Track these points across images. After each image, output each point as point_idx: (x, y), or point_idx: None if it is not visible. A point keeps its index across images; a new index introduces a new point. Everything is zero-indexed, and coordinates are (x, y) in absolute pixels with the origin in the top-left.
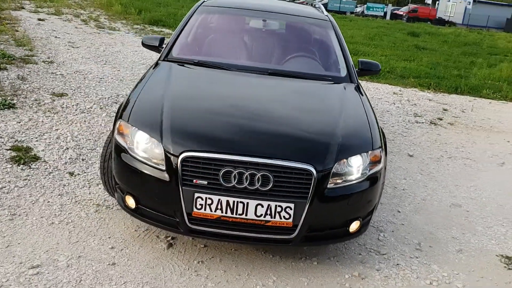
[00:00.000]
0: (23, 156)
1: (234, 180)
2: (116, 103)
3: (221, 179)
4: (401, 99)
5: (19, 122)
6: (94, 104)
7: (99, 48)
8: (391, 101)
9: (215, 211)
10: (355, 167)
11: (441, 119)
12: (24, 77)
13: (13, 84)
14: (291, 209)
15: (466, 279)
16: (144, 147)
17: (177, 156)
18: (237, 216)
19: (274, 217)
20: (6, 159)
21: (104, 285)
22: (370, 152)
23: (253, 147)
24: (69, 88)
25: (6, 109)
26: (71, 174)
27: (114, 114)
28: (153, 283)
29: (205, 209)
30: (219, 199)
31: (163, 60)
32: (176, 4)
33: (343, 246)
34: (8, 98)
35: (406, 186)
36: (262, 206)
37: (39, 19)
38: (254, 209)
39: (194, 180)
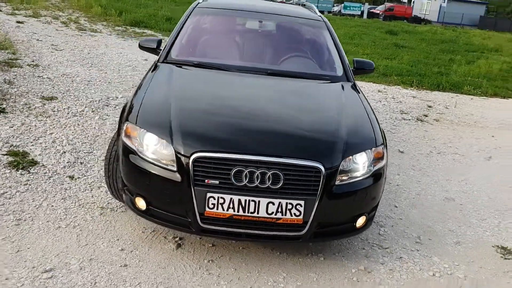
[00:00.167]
0: (21, 161)
1: (246, 179)
2: (107, 105)
3: (232, 179)
4: (386, 96)
5: (12, 127)
6: (85, 107)
7: (83, 51)
8: (377, 98)
9: (227, 210)
10: (361, 164)
11: (426, 116)
12: (11, 81)
13: (0, 88)
14: (301, 206)
15: (466, 270)
16: (154, 149)
17: (189, 157)
18: (249, 214)
19: (285, 215)
20: (4, 164)
21: (119, 287)
22: (373, 149)
23: (263, 147)
24: (58, 92)
25: None
26: (71, 177)
27: (107, 117)
28: (166, 283)
29: (217, 209)
30: (231, 198)
31: (162, 62)
32: (155, 5)
33: (347, 241)
34: None
35: (400, 181)
36: (273, 204)
37: (18, 22)
38: (265, 207)
39: (206, 180)
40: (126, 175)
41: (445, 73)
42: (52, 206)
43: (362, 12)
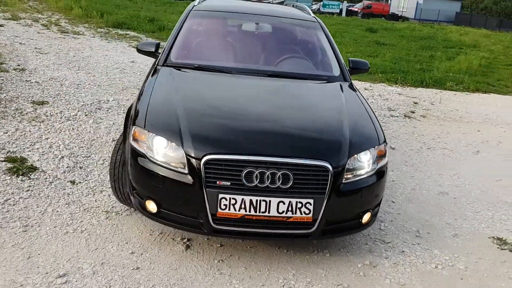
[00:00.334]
0: (20, 167)
1: (256, 180)
2: (99, 109)
3: (243, 179)
4: (373, 94)
5: (6, 133)
6: (78, 111)
7: (69, 54)
8: (364, 96)
9: (239, 210)
10: (365, 162)
11: (413, 112)
12: None
13: None
14: (310, 204)
15: (466, 261)
16: (164, 152)
17: (200, 159)
18: (260, 214)
19: (295, 213)
20: (3, 170)
21: None
22: (376, 147)
23: (272, 148)
24: (49, 96)
25: None
26: (73, 182)
27: (101, 120)
28: (180, 284)
29: (229, 209)
30: (242, 199)
31: (163, 65)
32: (134, 6)
33: (350, 237)
34: None
35: (395, 177)
36: (284, 203)
37: None
38: (276, 206)
39: (218, 182)
40: (136, 178)
41: (427, 69)
42: (57, 211)
43: (341, 10)
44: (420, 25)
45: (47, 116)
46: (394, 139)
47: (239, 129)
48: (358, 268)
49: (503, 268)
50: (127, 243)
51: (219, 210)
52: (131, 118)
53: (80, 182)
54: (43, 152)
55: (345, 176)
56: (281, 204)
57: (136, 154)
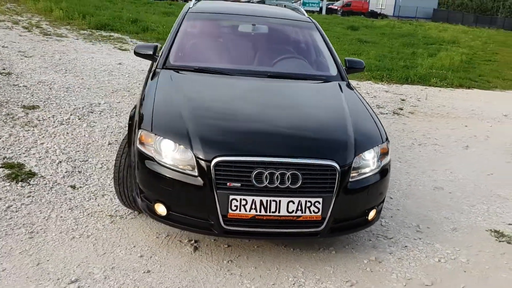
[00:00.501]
0: (18, 173)
1: (266, 181)
2: (92, 112)
3: (253, 180)
4: (361, 92)
5: (0, 138)
6: (70, 115)
7: (54, 57)
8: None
9: (249, 211)
10: (370, 160)
11: (401, 109)
12: None
13: None
14: (319, 203)
15: (467, 254)
16: (172, 155)
17: (210, 161)
18: (271, 214)
19: (305, 212)
20: (2, 177)
21: None
22: (380, 145)
23: (281, 148)
24: (39, 100)
25: None
26: (73, 187)
27: (94, 124)
28: (192, 285)
29: (240, 210)
30: (253, 199)
31: (162, 68)
32: (114, 7)
33: (354, 234)
34: None
35: (391, 174)
36: (293, 203)
37: None
38: (286, 206)
39: (228, 183)
40: (144, 181)
41: (411, 66)
42: (61, 217)
43: (321, 8)
44: (399, 22)
45: (39, 120)
46: None
47: (247, 130)
48: (364, 264)
49: (503, 260)
50: (134, 246)
51: (229, 211)
52: (136, 122)
53: (80, 187)
54: (40, 157)
55: (351, 175)
56: (290, 203)
57: (143, 157)
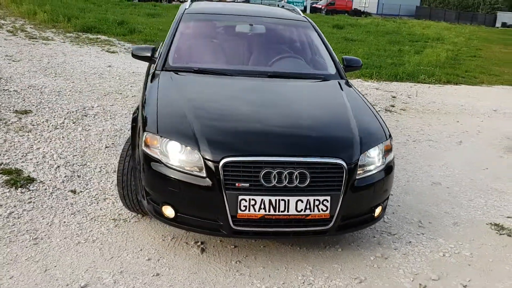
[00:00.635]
0: (17, 178)
1: (274, 180)
2: (86, 116)
3: (262, 180)
4: None
5: None
6: (64, 119)
7: (42, 60)
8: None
9: (258, 210)
10: (375, 158)
11: (393, 106)
12: None
13: None
14: (327, 201)
15: (470, 248)
16: (179, 157)
17: (218, 162)
18: (280, 213)
19: (313, 211)
20: (0, 183)
21: None
22: (384, 142)
23: (288, 147)
24: (31, 105)
25: None
26: (74, 192)
27: (89, 127)
28: (202, 287)
29: (249, 210)
30: (262, 199)
31: (162, 70)
32: (99, 9)
33: (358, 231)
34: None
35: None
36: (302, 202)
37: None
38: (295, 205)
39: (237, 184)
40: (150, 184)
41: (399, 63)
42: (64, 222)
43: (305, 7)
44: (383, 20)
45: (33, 125)
46: None
47: (254, 130)
48: (371, 261)
49: (505, 253)
50: (141, 250)
51: (239, 211)
52: (140, 125)
53: (81, 191)
54: (37, 162)
55: (358, 172)
56: (299, 202)
57: (149, 159)
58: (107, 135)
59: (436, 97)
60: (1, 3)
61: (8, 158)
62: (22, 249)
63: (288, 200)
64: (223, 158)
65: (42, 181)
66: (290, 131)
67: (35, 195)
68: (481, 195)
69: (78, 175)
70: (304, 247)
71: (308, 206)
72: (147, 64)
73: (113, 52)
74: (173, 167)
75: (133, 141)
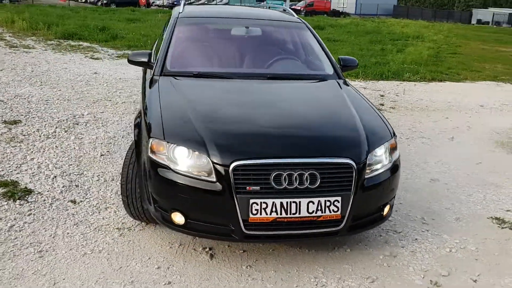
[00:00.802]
0: (14, 190)
1: (285, 182)
2: (77, 124)
3: (272, 183)
4: None
5: None
6: (56, 128)
7: (26, 69)
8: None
9: (270, 214)
10: (382, 156)
11: (383, 105)
12: None
13: None
14: (338, 202)
15: (475, 242)
16: (188, 162)
17: (228, 166)
18: (291, 215)
19: (324, 212)
20: None
21: None
22: (389, 140)
23: (297, 149)
24: (19, 114)
25: None
26: (74, 202)
27: (82, 136)
28: None
29: (260, 214)
30: (273, 202)
31: (160, 75)
32: (77, 15)
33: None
34: None
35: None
36: (313, 203)
37: None
38: (306, 207)
39: (248, 187)
40: (158, 191)
41: (383, 62)
42: (68, 233)
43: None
44: (362, 20)
45: (24, 135)
46: None
47: (262, 133)
48: (380, 260)
49: (510, 246)
50: (149, 258)
51: (250, 215)
52: (144, 131)
53: (81, 201)
54: (33, 173)
55: (367, 172)
56: (310, 204)
57: (156, 166)
58: (101, 143)
59: (423, 95)
60: None
61: (2, 170)
62: (27, 262)
63: (300, 202)
64: (233, 161)
65: (40, 192)
66: (298, 132)
67: (34, 206)
68: (479, 189)
69: (76, 185)
70: (312, 249)
71: (319, 208)
72: (133, 70)
73: (97, 58)
74: (182, 172)
75: (137, 148)
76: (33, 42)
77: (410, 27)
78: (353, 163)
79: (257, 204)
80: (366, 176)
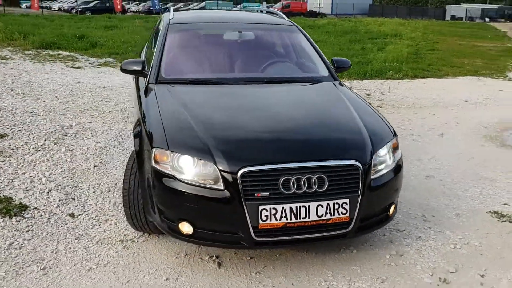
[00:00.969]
0: (9, 207)
1: (294, 187)
2: (66, 135)
3: (281, 188)
4: None
5: None
6: (45, 140)
7: (6, 80)
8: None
9: (280, 219)
10: (386, 157)
11: (370, 104)
12: None
13: None
14: (347, 204)
15: (477, 237)
16: (193, 170)
17: (236, 173)
18: (301, 220)
19: (333, 214)
20: None
21: None
22: (391, 140)
23: (303, 153)
24: (5, 128)
25: None
26: (72, 215)
27: (73, 147)
28: None
29: (270, 220)
30: (282, 207)
31: (156, 83)
32: (52, 24)
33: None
34: None
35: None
36: (322, 206)
37: None
38: (315, 210)
39: (256, 194)
40: (164, 201)
41: (365, 62)
42: (70, 248)
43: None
44: (339, 20)
45: (13, 149)
46: None
47: (267, 138)
48: (388, 260)
49: (511, 239)
50: (156, 270)
51: (260, 222)
52: (146, 141)
53: (80, 214)
54: (26, 188)
55: (372, 172)
56: (319, 207)
57: (161, 176)
58: (93, 154)
59: (408, 92)
60: None
61: None
62: (31, 281)
63: (309, 206)
64: (241, 168)
65: (36, 207)
66: (303, 136)
67: (32, 222)
68: (474, 184)
69: (72, 198)
70: (319, 252)
71: (328, 211)
72: (118, 78)
73: (78, 67)
74: (188, 181)
75: (138, 158)
76: (10, 52)
77: (386, 25)
78: (359, 165)
79: (267, 210)
80: (372, 177)
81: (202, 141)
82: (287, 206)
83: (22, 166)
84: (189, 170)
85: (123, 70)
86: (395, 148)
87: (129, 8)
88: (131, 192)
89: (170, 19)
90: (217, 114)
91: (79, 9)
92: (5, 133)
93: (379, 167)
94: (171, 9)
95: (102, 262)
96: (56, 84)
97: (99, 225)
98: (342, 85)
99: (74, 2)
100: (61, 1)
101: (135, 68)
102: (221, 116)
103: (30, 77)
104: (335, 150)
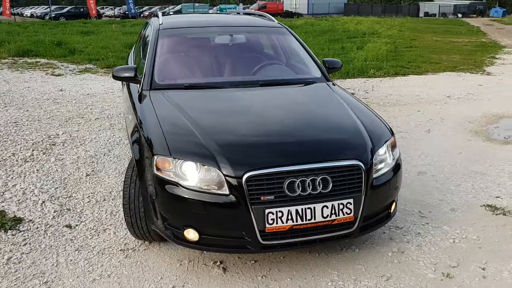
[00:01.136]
0: (3, 220)
1: (299, 189)
2: (54, 144)
3: (286, 190)
4: None
5: None
6: (32, 150)
7: None
8: None
9: (286, 222)
10: (386, 155)
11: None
12: None
13: None
14: (351, 204)
15: (474, 231)
16: (197, 176)
17: (241, 178)
18: (307, 222)
19: (338, 215)
20: None
21: None
22: (390, 139)
23: (306, 154)
24: None
25: None
26: (69, 227)
27: (62, 156)
28: None
29: (276, 223)
30: (288, 210)
31: (150, 89)
32: (27, 31)
33: None
34: None
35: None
36: (327, 207)
37: None
38: (321, 212)
39: (262, 197)
40: (168, 209)
41: (346, 61)
42: (71, 260)
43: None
44: (316, 19)
45: (0, 161)
46: None
47: (270, 141)
48: (390, 257)
49: (507, 231)
50: (161, 278)
51: (267, 225)
52: (146, 148)
53: (77, 225)
54: (18, 200)
55: (373, 172)
56: (325, 208)
57: (163, 183)
58: (84, 163)
59: (391, 90)
60: None
61: None
62: None
63: (314, 208)
64: (245, 172)
65: (31, 220)
66: (305, 138)
67: (28, 235)
68: (466, 179)
69: (67, 208)
70: (322, 252)
71: (333, 211)
72: (100, 84)
73: (59, 75)
74: (192, 188)
75: (138, 165)
76: None
77: (363, 23)
78: (362, 164)
79: (273, 214)
80: (374, 176)
81: (204, 146)
82: (293, 209)
83: (12, 178)
84: (192, 176)
85: (115, 77)
86: (393, 147)
87: (104, 13)
88: (131, 200)
89: (160, 24)
90: (216, 118)
91: (53, 15)
92: None
93: (380, 166)
94: (159, 13)
95: (105, 272)
96: (38, 92)
97: (98, 235)
98: (335, 86)
99: (47, 8)
100: (32, 7)
101: (127, 75)
102: (221, 120)
103: (10, 86)
104: (338, 150)
